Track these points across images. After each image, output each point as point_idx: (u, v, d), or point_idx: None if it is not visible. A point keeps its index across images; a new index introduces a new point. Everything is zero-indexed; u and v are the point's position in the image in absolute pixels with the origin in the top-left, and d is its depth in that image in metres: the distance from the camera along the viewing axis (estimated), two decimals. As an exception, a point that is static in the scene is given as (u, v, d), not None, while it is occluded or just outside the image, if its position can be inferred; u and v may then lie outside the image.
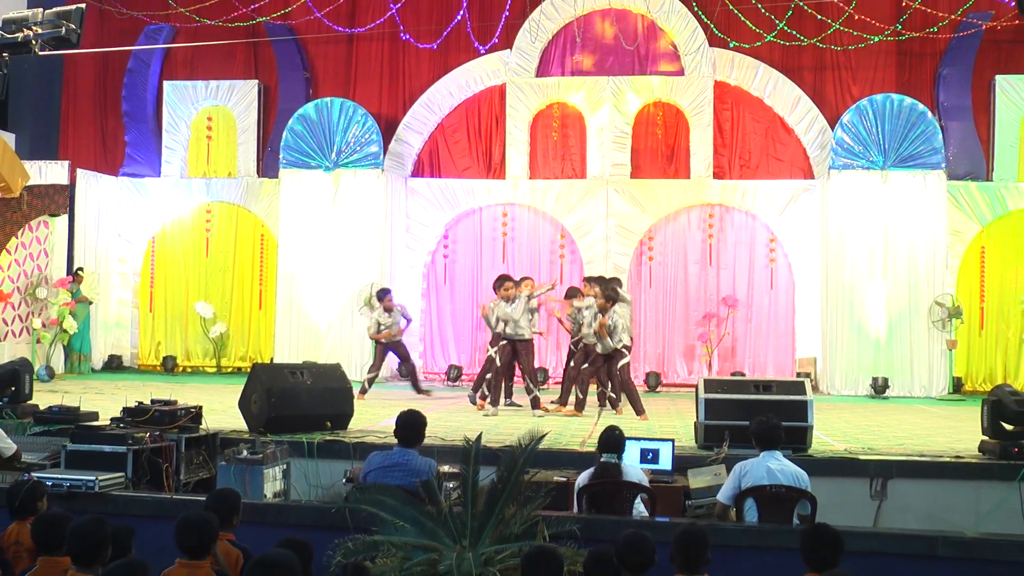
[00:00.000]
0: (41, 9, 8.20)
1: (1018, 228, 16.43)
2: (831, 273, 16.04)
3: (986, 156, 16.67)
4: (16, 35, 7.96)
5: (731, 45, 17.23)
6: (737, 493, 6.44)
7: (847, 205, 15.98)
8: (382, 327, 14.06)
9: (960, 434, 10.40)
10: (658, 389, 16.11)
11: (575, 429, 10.38)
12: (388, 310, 14.15)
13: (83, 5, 8.14)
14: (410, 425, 6.74)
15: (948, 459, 8.56)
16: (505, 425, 10.60)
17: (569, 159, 17.88)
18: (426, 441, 7.17)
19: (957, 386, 15.95)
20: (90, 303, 17.04)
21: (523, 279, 12.95)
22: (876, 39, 16.74)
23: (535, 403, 12.19)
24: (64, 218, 17.08)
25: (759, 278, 17.37)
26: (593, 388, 12.35)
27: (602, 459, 6.69)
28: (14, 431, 8.87)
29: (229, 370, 18.21)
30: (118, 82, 19.08)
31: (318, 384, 9.72)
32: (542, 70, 17.90)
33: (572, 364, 12.55)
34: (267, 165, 18.36)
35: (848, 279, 15.90)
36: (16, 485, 6.11)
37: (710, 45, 17.29)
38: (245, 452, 7.84)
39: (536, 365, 13.48)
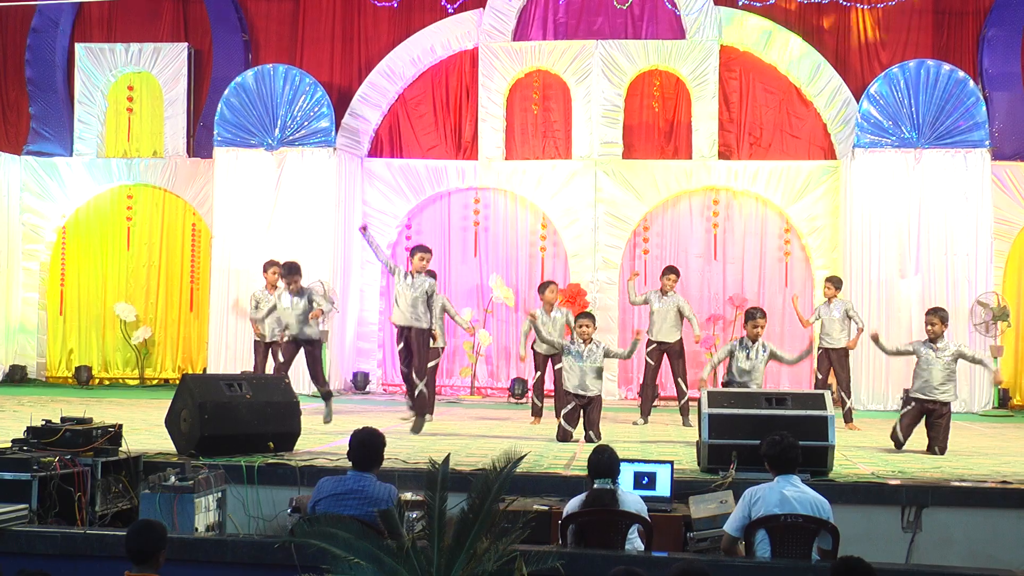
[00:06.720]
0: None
1: (1073, 216, 16.58)
2: (855, 268, 16.11)
3: (1037, 132, 16.82)
4: None
5: (740, 3, 17.28)
6: (747, 524, 6.47)
7: (874, 189, 16.06)
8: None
9: (1007, 455, 10.49)
10: (655, 403, 16.11)
11: (558, 450, 10.38)
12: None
13: None
14: (366, 445, 6.71)
15: (993, 484, 8.55)
16: (477, 445, 10.59)
17: (551, 136, 17.88)
18: (386, 464, 7.16)
19: (1003, 400, 16.07)
20: None
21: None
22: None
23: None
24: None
25: (771, 274, 17.44)
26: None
27: (595, 485, 6.69)
28: None
29: (154, 382, 18.14)
30: (20, 44, 18.94)
31: (259, 398, 9.67)
32: (520, 32, 17.90)
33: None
34: (199, 143, 18.30)
35: (875, 275, 15.98)
36: None
37: (716, 3, 17.33)
38: (173, 478, 7.80)
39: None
